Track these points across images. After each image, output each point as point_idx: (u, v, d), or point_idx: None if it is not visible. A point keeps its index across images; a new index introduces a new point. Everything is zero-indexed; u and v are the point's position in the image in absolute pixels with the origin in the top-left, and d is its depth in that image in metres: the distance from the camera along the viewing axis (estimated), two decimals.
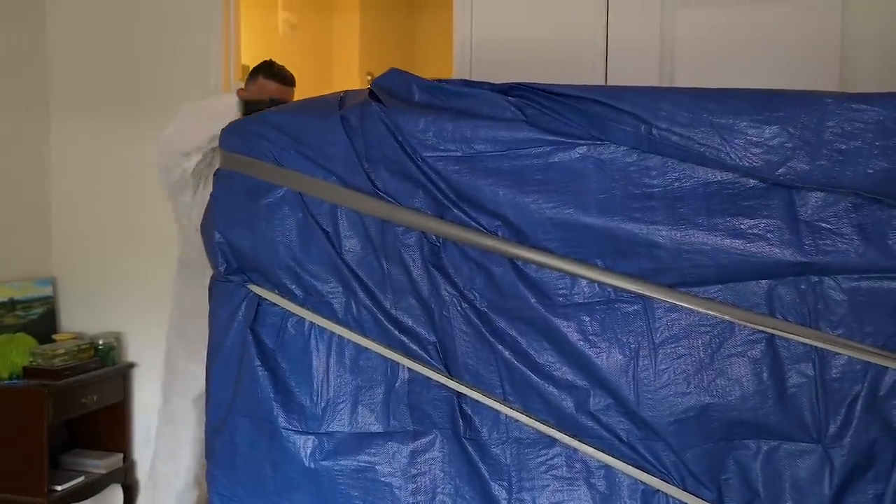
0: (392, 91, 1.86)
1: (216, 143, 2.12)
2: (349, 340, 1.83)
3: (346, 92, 1.97)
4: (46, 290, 3.56)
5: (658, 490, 1.68)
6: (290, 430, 1.82)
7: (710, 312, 1.66)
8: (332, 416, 1.82)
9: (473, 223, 1.77)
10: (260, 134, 1.92)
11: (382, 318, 1.82)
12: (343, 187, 1.84)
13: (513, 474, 1.75)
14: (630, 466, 1.69)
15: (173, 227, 2.76)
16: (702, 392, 1.66)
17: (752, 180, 1.64)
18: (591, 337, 1.71)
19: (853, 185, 1.59)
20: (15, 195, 3.48)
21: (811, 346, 1.64)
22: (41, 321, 3.50)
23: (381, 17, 5.61)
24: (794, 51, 2.75)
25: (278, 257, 1.87)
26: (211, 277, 1.99)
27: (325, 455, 1.80)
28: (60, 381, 3.13)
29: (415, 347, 1.81)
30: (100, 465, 3.38)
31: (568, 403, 1.73)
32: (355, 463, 1.79)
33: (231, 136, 1.99)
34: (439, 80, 1.86)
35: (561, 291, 1.73)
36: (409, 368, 1.80)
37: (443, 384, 1.79)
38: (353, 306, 1.84)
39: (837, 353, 1.63)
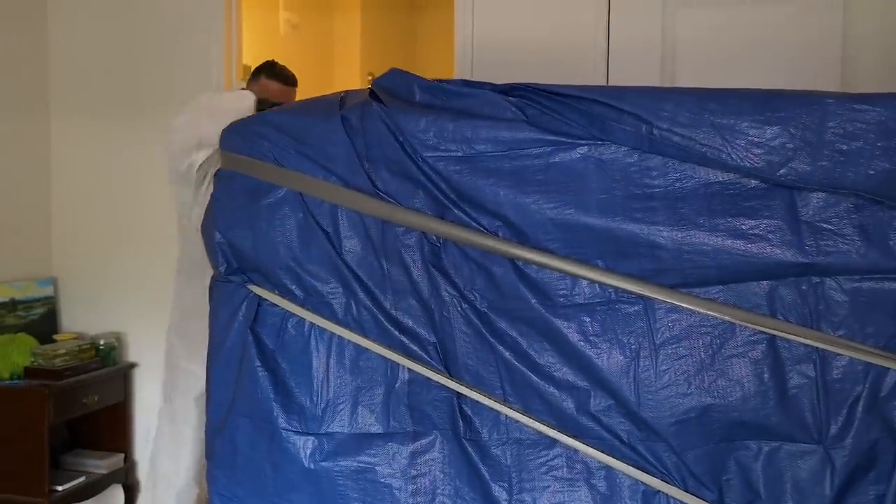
0: (393, 91, 1.86)
1: None
2: (349, 341, 1.83)
3: (347, 92, 1.97)
4: (47, 291, 3.56)
5: (659, 491, 1.68)
6: (289, 430, 1.82)
7: (712, 313, 1.66)
8: (331, 417, 1.81)
9: (474, 223, 1.77)
10: (260, 134, 1.92)
11: (382, 319, 1.82)
12: (343, 187, 1.84)
13: (513, 475, 1.75)
14: (631, 467, 1.69)
15: (174, 227, 2.76)
16: (703, 393, 1.66)
17: (753, 181, 1.64)
18: (591, 338, 1.71)
19: (855, 185, 1.59)
20: (15, 195, 3.48)
21: (812, 346, 1.64)
22: (42, 321, 3.50)
23: (382, 17, 5.61)
24: (795, 51, 2.75)
25: (279, 257, 1.87)
26: (211, 278, 1.99)
27: (324, 456, 1.80)
28: (61, 382, 3.13)
29: (415, 348, 1.80)
30: (101, 465, 3.38)
31: (568, 404, 1.73)
32: (355, 464, 1.79)
33: (232, 137, 1.99)
34: (440, 81, 1.85)
35: (562, 292, 1.73)
36: (409, 369, 1.80)
37: (443, 385, 1.78)
38: (354, 307, 1.84)
39: (839, 354, 1.63)
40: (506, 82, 1.80)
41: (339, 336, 1.83)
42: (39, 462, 3.05)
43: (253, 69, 2.82)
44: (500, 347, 1.76)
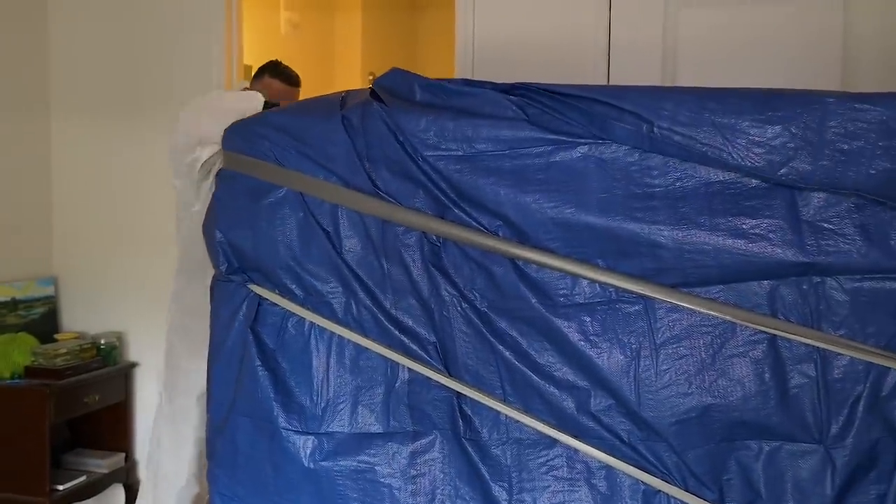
0: (394, 90, 1.86)
1: None
2: (349, 340, 1.83)
3: (348, 92, 1.97)
4: (48, 290, 3.57)
5: (659, 490, 1.68)
6: (289, 430, 1.82)
7: (712, 313, 1.66)
8: (331, 417, 1.81)
9: (474, 223, 1.77)
10: (261, 134, 1.92)
11: (382, 318, 1.82)
12: (344, 187, 1.83)
13: (513, 475, 1.74)
14: (631, 467, 1.69)
15: (174, 227, 2.76)
16: (703, 392, 1.66)
17: (754, 180, 1.64)
18: (592, 337, 1.71)
19: (855, 185, 1.59)
20: (16, 195, 3.48)
21: (813, 346, 1.63)
22: (43, 321, 3.50)
23: (383, 16, 5.61)
24: (795, 50, 2.75)
25: (279, 257, 1.87)
26: (212, 277, 1.99)
27: (324, 455, 1.80)
28: (62, 381, 3.13)
29: (415, 347, 1.80)
30: (102, 464, 3.38)
31: (569, 404, 1.72)
32: (355, 463, 1.79)
33: (233, 137, 1.99)
34: (441, 80, 1.85)
35: (562, 292, 1.73)
36: (409, 369, 1.80)
37: (443, 384, 1.78)
38: (354, 306, 1.84)
39: (839, 354, 1.62)
40: (506, 81, 1.79)
41: (339, 335, 1.83)
42: (40, 461, 3.05)
43: (256, 69, 2.82)
44: (501, 347, 1.76)
